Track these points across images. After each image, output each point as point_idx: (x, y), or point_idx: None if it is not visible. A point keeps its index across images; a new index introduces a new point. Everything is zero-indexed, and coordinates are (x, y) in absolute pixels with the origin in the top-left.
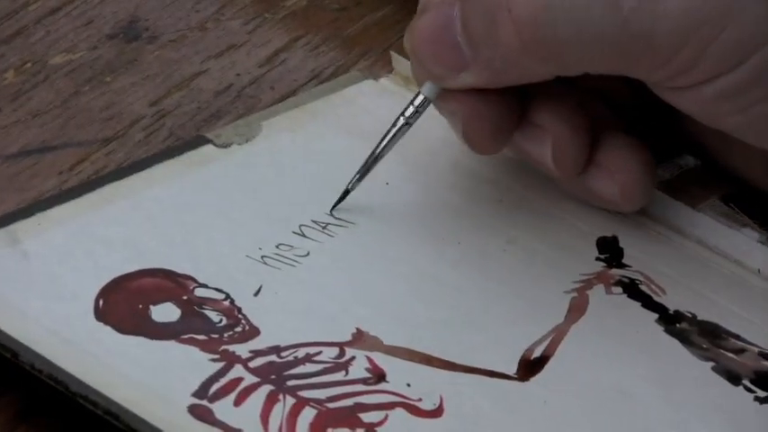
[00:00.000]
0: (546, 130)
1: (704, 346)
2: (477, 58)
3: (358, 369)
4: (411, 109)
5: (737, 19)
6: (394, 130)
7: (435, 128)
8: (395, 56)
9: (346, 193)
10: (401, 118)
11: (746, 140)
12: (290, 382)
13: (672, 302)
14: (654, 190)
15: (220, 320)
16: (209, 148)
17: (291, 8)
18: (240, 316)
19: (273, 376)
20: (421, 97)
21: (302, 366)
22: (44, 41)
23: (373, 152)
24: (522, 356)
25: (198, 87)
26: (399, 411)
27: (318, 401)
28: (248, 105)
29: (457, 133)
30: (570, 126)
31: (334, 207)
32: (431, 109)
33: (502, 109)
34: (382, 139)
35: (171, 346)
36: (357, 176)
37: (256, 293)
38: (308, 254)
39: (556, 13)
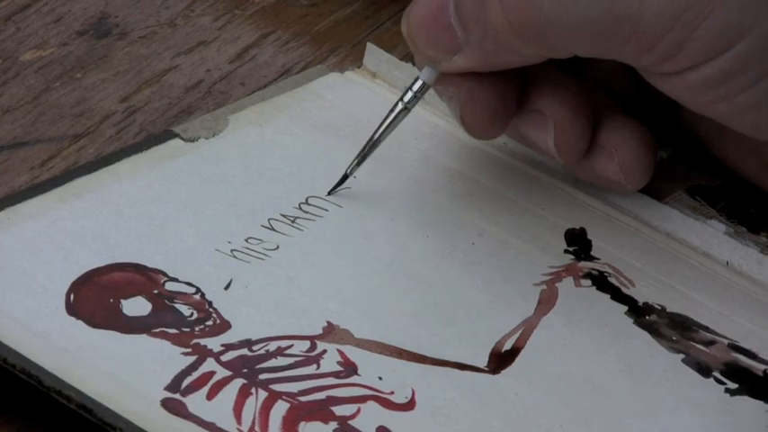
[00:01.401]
0: (547, 116)
1: (674, 338)
2: (469, 40)
3: (329, 362)
4: (410, 94)
5: (723, 5)
6: (392, 116)
7: (406, 121)
8: (370, 46)
9: (345, 177)
10: (399, 103)
11: (734, 128)
12: (263, 376)
13: (641, 295)
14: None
15: (191, 314)
16: (176, 143)
17: (261, 4)
18: (211, 310)
19: (245, 370)
20: (420, 82)
21: (274, 360)
22: (14, 38)
23: (372, 137)
24: (493, 349)
25: (168, 83)
26: (371, 404)
27: (291, 395)
28: (219, 101)
29: (455, 118)
30: (571, 112)
31: (332, 191)
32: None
33: (499, 94)
34: (381, 125)
35: (142, 339)
36: (356, 162)
37: (227, 287)
38: (278, 247)
39: None
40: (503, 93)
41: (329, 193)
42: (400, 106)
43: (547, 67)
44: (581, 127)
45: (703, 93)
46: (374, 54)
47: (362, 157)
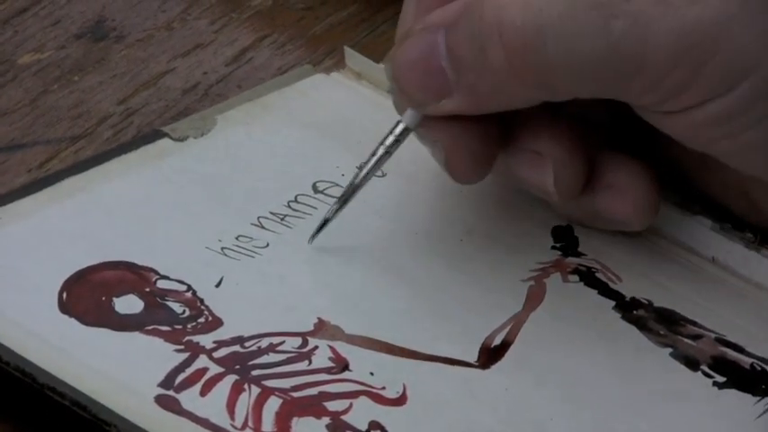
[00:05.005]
0: (545, 156)
1: (661, 332)
2: (461, 84)
3: (321, 358)
4: (391, 138)
5: (729, 44)
6: (374, 160)
7: (391, 120)
8: (348, 51)
9: (325, 222)
10: (381, 147)
11: (734, 167)
12: (255, 372)
13: (628, 290)
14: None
15: (183, 312)
16: (165, 142)
17: (257, 8)
18: (203, 307)
19: (238, 366)
20: (401, 126)
21: (266, 356)
22: (12, 41)
23: (352, 182)
24: (483, 344)
25: (165, 86)
26: (363, 400)
27: (283, 391)
28: (215, 103)
29: (439, 162)
30: (568, 150)
31: (313, 237)
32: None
33: (482, 137)
34: (362, 169)
35: (135, 337)
36: (336, 206)
37: (218, 285)
38: (268, 245)
39: (546, 38)
40: (486, 136)
41: (310, 241)
42: (382, 151)
43: (537, 107)
44: (580, 165)
45: (707, 131)
46: (353, 57)
47: (344, 201)
